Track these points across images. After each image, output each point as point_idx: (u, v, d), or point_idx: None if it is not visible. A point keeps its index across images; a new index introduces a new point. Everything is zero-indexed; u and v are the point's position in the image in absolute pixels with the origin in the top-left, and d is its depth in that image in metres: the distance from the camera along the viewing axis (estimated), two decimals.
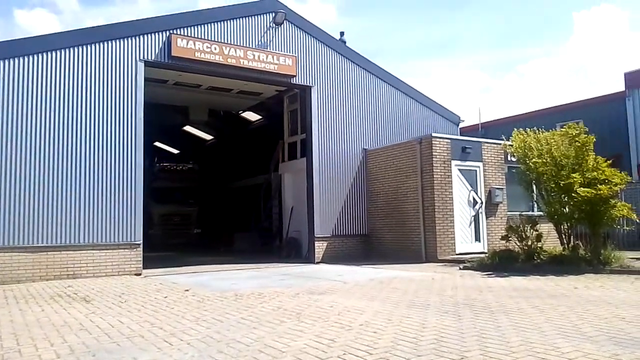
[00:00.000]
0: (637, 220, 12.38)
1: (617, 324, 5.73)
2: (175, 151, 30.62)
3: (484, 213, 14.70)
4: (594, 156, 11.85)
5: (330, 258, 15.01)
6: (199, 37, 13.55)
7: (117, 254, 11.99)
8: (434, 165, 14.11)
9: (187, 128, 26.25)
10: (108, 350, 5.02)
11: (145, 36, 12.88)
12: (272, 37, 14.81)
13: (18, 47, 11.49)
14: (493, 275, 10.58)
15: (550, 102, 40.71)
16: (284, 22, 14.93)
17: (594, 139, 11.90)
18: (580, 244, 11.79)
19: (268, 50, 14.61)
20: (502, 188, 15.02)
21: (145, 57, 12.84)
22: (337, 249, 15.36)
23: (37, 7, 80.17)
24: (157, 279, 11.24)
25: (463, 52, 74.38)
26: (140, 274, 12.04)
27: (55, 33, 12.36)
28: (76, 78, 11.98)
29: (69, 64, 11.92)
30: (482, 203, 14.69)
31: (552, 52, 73.68)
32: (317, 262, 14.75)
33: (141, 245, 12.29)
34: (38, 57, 11.60)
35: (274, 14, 14.77)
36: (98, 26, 12.86)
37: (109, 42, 12.43)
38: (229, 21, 14.12)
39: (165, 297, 8.53)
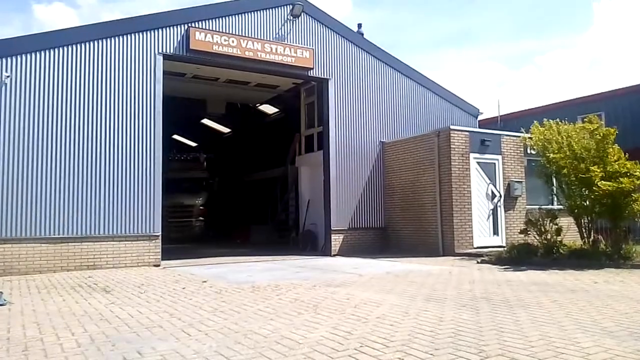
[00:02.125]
0: None
1: (638, 319, 5.64)
2: (193, 144, 30.82)
3: (502, 206, 14.56)
4: (617, 149, 11.66)
5: (347, 251, 15.01)
6: (217, 30, 13.59)
7: (136, 245, 12.13)
8: (452, 158, 13.99)
9: (205, 121, 26.37)
10: (128, 340, 5.09)
11: (164, 29, 12.95)
12: (290, 29, 14.79)
13: (39, 41, 11.64)
14: (511, 269, 10.50)
15: (570, 94, 40.07)
16: (302, 14, 14.88)
17: (616, 132, 11.70)
18: (601, 238, 11.64)
19: (285, 42, 14.60)
20: (521, 181, 14.85)
21: (164, 50, 12.91)
22: (354, 241, 15.35)
23: (55, 1, 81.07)
24: (175, 270, 11.35)
25: (480, 44, 73.57)
26: (158, 265, 12.18)
27: (76, 27, 12.49)
28: (96, 72, 12.10)
29: (88, 57, 12.04)
30: (500, 196, 14.55)
31: (571, 44, 72.50)
32: (334, 255, 14.77)
33: (160, 237, 12.42)
34: (58, 51, 11.73)
35: (291, 7, 14.72)
36: (117, 20, 12.97)
37: (129, 36, 12.52)
38: (246, 14, 14.13)
39: (184, 288, 8.61)
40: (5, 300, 7.25)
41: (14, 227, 10.94)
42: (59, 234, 11.34)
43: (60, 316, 6.31)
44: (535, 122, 12.87)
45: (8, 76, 11.13)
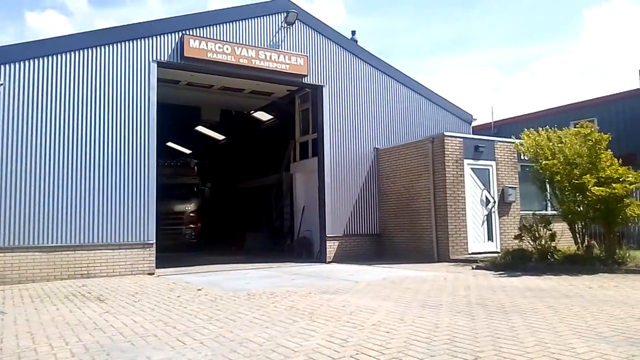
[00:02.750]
0: None
1: (632, 324, 5.66)
2: (188, 151, 30.77)
3: (496, 212, 14.60)
4: (609, 154, 11.72)
5: (342, 258, 14.99)
6: (211, 37, 13.61)
7: (131, 254, 12.07)
8: (446, 164, 14.04)
9: (199, 128, 26.33)
10: (122, 349, 5.06)
11: (158, 37, 12.96)
12: (284, 36, 14.84)
13: (32, 49, 11.61)
14: (506, 275, 10.52)
15: (563, 100, 40.26)
16: (296, 21, 14.94)
17: (609, 138, 11.78)
18: (595, 243, 11.69)
19: (280, 50, 14.64)
20: (515, 187, 14.91)
21: (158, 57, 12.91)
22: (349, 248, 15.34)
23: (47, 8, 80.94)
24: (169, 279, 11.30)
25: (474, 50, 73.99)
26: (153, 274, 12.12)
27: (69, 35, 12.48)
28: (90, 79, 12.07)
29: (83, 65, 12.02)
30: (494, 202, 14.60)
31: (563, 50, 73.03)
32: (329, 262, 14.75)
33: (154, 245, 12.37)
34: (52, 59, 11.70)
35: (285, 14, 14.78)
36: (111, 27, 12.97)
37: (122, 43, 12.52)
38: (240, 21, 14.16)
39: (178, 296, 8.57)
40: None
41: (6, 236, 10.87)
42: (52, 243, 11.27)
43: (54, 325, 6.26)
44: (525, 129, 12.94)
45: (1, 84, 11.09)
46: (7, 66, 11.25)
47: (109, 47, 12.37)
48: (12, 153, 11.11)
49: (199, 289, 9.34)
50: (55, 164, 11.52)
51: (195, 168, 23.98)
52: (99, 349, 5.08)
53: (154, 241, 12.39)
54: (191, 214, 21.82)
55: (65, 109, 11.76)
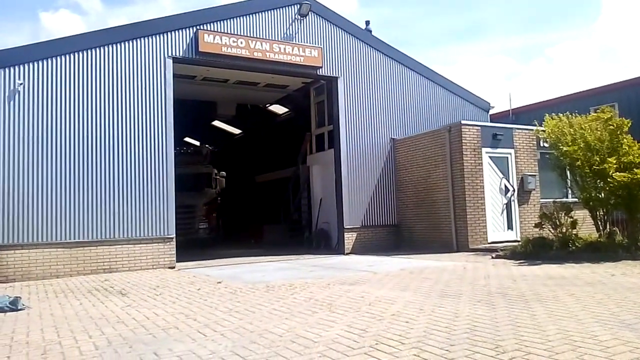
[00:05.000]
0: None
1: None
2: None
3: (516, 201, 14.45)
4: (630, 139, 11.52)
5: (360, 249, 14.99)
6: (226, 31, 13.64)
7: (152, 248, 12.22)
8: (464, 153, 13.91)
9: (216, 123, 26.45)
10: (144, 341, 5.13)
11: (173, 33, 13.03)
12: (298, 28, 14.80)
13: (49, 48, 11.76)
14: (526, 264, 10.42)
15: (581, 86, 39.49)
16: (309, 13, 14.89)
17: (630, 122, 11.56)
18: (617, 230, 11.52)
19: (294, 42, 14.61)
20: (534, 175, 14.73)
21: (174, 53, 12.99)
22: (367, 239, 15.33)
23: (61, 8, 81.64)
24: (190, 272, 11.42)
25: (489, 38, 73.01)
26: (173, 267, 12.26)
27: (85, 33, 12.62)
28: (107, 77, 12.19)
29: (99, 63, 12.14)
30: (514, 190, 14.44)
31: (580, 35, 71.65)
32: (347, 253, 14.76)
33: (174, 239, 12.50)
34: (69, 57, 11.83)
35: (298, 6, 14.73)
36: (126, 25, 13.07)
37: (138, 40, 12.61)
38: (254, 15, 14.17)
39: (199, 289, 8.66)
40: (23, 305, 7.34)
41: (30, 232, 11.08)
42: (75, 239, 11.46)
43: (78, 319, 6.37)
44: (547, 115, 12.77)
45: (21, 84, 11.27)
46: (25, 66, 11.40)
47: (124, 45, 12.47)
48: (31, 151, 11.28)
49: (219, 282, 9.42)
50: (75, 162, 11.68)
51: (209, 155, 22.11)
52: (121, 341, 5.16)
53: (174, 235, 12.52)
54: (204, 206, 20.00)
55: (84, 107, 11.90)
